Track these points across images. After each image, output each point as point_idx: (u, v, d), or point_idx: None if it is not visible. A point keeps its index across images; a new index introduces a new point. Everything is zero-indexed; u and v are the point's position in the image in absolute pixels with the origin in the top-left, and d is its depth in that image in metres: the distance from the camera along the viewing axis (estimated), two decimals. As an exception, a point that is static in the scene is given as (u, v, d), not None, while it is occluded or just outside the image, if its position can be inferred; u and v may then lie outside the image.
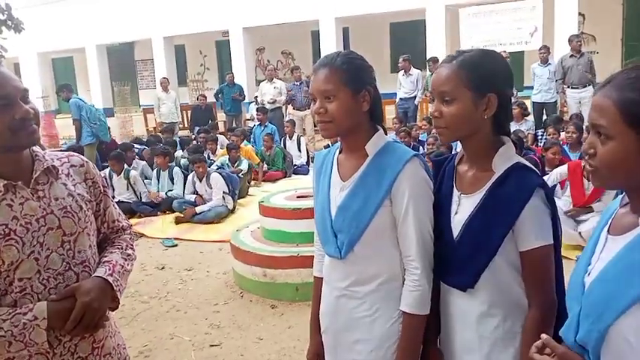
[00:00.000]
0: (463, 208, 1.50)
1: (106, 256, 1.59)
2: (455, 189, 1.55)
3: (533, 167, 1.47)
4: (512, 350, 1.47)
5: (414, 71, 10.45)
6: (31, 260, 1.40)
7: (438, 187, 1.60)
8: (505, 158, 1.46)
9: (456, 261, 1.52)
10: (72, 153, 1.65)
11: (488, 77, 1.43)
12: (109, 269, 1.53)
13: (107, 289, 1.49)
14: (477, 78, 1.42)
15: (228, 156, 8.39)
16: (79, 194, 1.54)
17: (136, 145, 9.20)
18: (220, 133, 11.26)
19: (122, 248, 1.65)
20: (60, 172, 1.53)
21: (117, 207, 1.75)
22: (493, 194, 1.45)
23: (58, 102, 19.40)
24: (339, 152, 1.70)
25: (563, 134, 7.05)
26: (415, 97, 10.42)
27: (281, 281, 4.23)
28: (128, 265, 1.62)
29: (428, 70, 10.24)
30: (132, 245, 1.71)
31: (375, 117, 1.63)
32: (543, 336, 1.18)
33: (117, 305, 1.55)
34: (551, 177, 5.20)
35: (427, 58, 10.38)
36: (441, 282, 1.60)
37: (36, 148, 1.51)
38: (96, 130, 8.64)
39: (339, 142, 1.71)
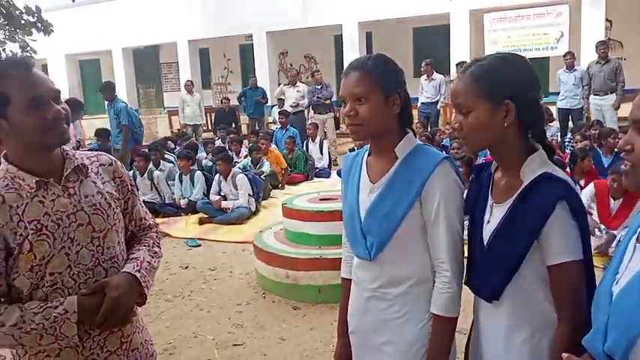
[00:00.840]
0: (494, 218, 1.48)
1: (133, 253, 1.63)
2: (490, 197, 1.52)
3: (561, 177, 1.39)
4: None
5: (437, 76, 10.37)
6: (61, 255, 1.44)
7: (476, 193, 1.58)
8: (533, 167, 1.42)
9: (483, 271, 1.50)
10: (101, 152, 1.69)
11: (502, 84, 1.40)
12: (137, 265, 1.56)
13: (135, 285, 1.53)
14: (489, 87, 1.39)
15: (250, 158, 8.47)
16: (107, 192, 1.58)
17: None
18: (243, 136, 11.37)
19: (149, 246, 1.68)
20: (89, 170, 1.57)
21: (144, 205, 1.78)
22: (518, 205, 1.41)
23: (84, 103, 19.77)
24: (368, 154, 1.70)
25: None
26: (437, 101, 10.35)
27: (303, 283, 4.25)
28: (155, 262, 1.66)
29: (456, 75, 10.11)
30: (158, 243, 1.74)
31: (404, 120, 1.64)
32: (564, 355, 1.16)
33: (144, 301, 1.59)
34: (584, 201, 5.08)
35: (456, 63, 10.21)
36: (473, 292, 1.59)
37: (66, 147, 1.55)
38: (137, 136, 8.78)
39: (368, 145, 1.72)
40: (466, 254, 1.61)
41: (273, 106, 12.71)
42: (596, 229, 4.87)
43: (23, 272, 1.41)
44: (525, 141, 1.46)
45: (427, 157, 1.58)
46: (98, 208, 1.52)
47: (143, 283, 1.55)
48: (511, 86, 1.40)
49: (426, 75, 10.38)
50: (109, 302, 1.45)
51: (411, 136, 1.64)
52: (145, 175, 7.42)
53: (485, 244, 1.49)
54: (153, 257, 1.65)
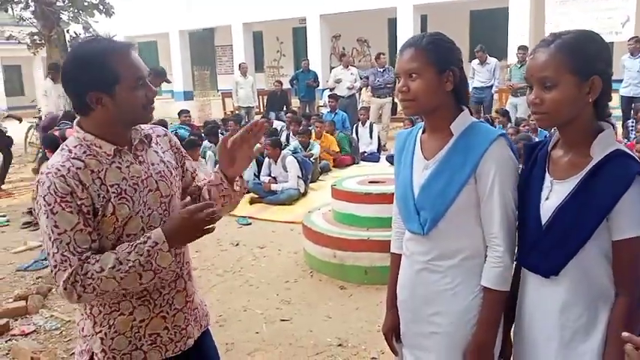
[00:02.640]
0: (555, 194, 1.46)
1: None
2: (547, 174, 1.51)
3: (633, 154, 1.39)
4: (595, 338, 1.44)
5: (491, 60, 10.03)
6: (137, 218, 1.53)
7: (529, 171, 1.58)
8: (604, 145, 1.41)
9: (542, 247, 1.49)
10: (155, 125, 1.77)
11: (591, 59, 1.38)
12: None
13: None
14: (578, 61, 1.37)
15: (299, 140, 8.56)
16: (168, 161, 1.68)
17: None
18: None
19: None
20: (152, 140, 1.66)
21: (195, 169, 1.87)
22: (590, 181, 1.40)
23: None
24: (423, 132, 1.71)
25: None
26: (492, 86, 10.03)
27: (350, 263, 4.30)
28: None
29: (517, 59, 9.77)
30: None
31: (460, 97, 1.64)
32: (625, 334, 1.15)
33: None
34: None
35: (519, 46, 9.86)
36: (522, 268, 1.59)
37: None
38: None
39: (422, 122, 1.73)
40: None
41: (324, 89, 12.71)
42: None
43: (106, 235, 1.50)
44: (595, 119, 1.45)
45: (483, 134, 1.58)
46: (163, 175, 1.62)
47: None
48: (598, 62, 1.39)
49: (478, 59, 10.10)
50: (186, 212, 1.48)
51: (466, 113, 1.64)
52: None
53: (544, 221, 1.48)
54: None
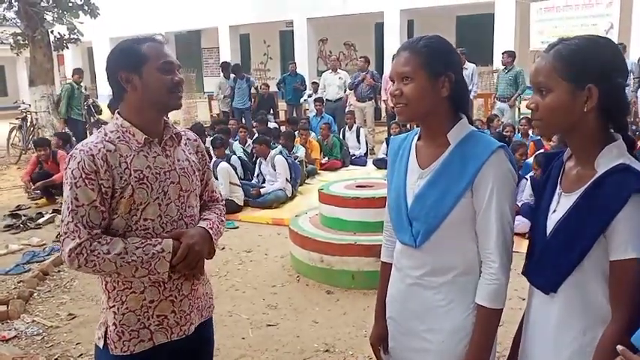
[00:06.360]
0: (561, 207, 1.40)
1: (206, 215, 1.86)
2: (558, 186, 1.45)
3: (639, 170, 1.29)
4: None
5: (469, 65, 10.05)
6: (155, 204, 1.67)
7: (544, 182, 1.52)
8: (610, 157, 1.32)
9: (543, 261, 1.44)
10: (187, 130, 1.95)
11: (587, 67, 1.31)
12: (210, 224, 1.81)
13: (207, 238, 1.76)
14: (573, 67, 1.31)
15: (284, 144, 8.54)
16: (193, 161, 1.83)
17: None
18: (281, 122, 11.43)
19: (218, 214, 1.92)
20: (182, 140, 1.81)
21: (214, 181, 1.99)
22: (589, 195, 1.32)
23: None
24: (418, 138, 1.66)
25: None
26: (470, 91, 10.06)
27: (337, 268, 4.28)
28: (222, 228, 1.88)
29: (502, 64, 9.80)
30: (224, 214, 1.97)
31: (459, 105, 1.58)
32: (619, 347, 1.13)
33: (213, 254, 1.82)
34: None
35: (503, 52, 9.88)
36: (529, 283, 1.53)
37: (166, 118, 1.80)
38: None
39: (418, 128, 1.68)
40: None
41: (306, 92, 12.60)
42: None
43: (122, 214, 1.63)
44: (604, 130, 1.36)
45: (481, 145, 1.52)
46: (186, 172, 1.76)
47: (214, 239, 1.78)
48: (596, 70, 1.31)
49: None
50: (185, 247, 1.67)
51: (465, 122, 1.58)
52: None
53: (548, 233, 1.42)
54: (220, 224, 1.88)
